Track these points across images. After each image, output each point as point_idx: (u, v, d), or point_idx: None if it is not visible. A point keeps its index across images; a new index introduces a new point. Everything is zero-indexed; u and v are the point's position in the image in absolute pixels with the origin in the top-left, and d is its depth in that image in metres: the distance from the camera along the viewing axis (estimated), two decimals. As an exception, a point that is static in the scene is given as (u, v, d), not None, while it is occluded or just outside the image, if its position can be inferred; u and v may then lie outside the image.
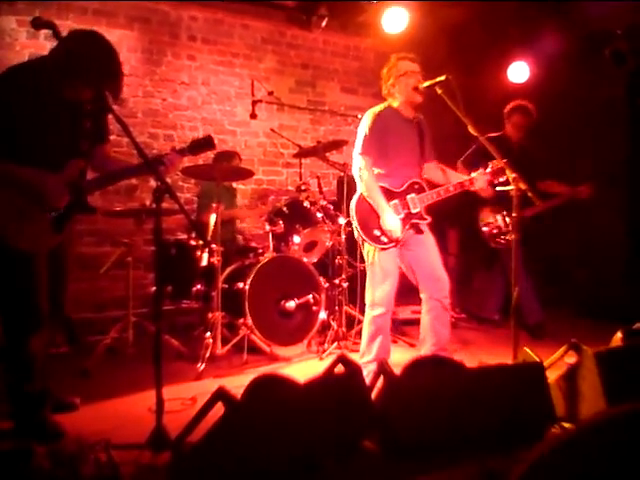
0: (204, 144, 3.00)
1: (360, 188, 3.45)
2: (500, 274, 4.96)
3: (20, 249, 2.62)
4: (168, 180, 2.99)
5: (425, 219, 3.45)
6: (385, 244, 3.36)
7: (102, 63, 2.65)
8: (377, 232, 3.37)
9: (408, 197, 3.42)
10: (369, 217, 3.39)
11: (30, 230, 2.65)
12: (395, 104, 3.51)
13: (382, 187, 3.40)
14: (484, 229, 4.82)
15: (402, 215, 3.40)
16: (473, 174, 3.46)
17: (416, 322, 4.64)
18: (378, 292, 3.40)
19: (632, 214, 5.52)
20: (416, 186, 3.46)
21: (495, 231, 4.76)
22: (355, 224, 3.43)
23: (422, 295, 3.49)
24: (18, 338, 2.71)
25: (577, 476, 1.07)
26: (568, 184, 4.82)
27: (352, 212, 3.45)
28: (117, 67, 2.72)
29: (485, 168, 3.42)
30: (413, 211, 3.41)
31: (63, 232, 2.75)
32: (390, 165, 3.44)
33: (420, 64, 3.49)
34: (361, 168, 3.42)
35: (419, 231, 3.45)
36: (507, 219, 4.63)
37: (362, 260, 3.72)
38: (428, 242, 3.49)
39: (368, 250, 3.46)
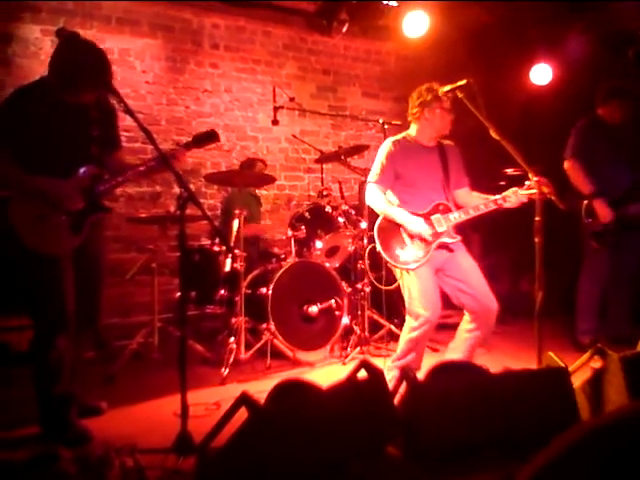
0: (208, 137, 3.01)
1: (378, 212, 3.41)
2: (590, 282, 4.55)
3: (43, 253, 2.73)
4: (192, 187, 3.04)
5: (454, 237, 3.34)
6: (410, 264, 3.27)
7: (85, 65, 2.76)
8: (400, 252, 3.30)
9: (433, 217, 3.34)
10: (391, 240, 3.34)
11: (50, 234, 2.76)
12: (415, 133, 3.48)
13: (405, 209, 3.36)
14: (592, 227, 4.35)
15: None
16: (505, 192, 3.35)
17: (443, 327, 4.63)
18: (422, 308, 3.27)
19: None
20: (441, 207, 3.38)
21: (603, 228, 4.30)
22: (379, 248, 3.36)
23: (467, 315, 3.36)
24: (46, 340, 2.79)
25: (593, 475, 1.06)
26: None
27: (375, 237, 3.39)
28: (100, 65, 2.81)
29: (520, 186, 3.30)
30: (439, 230, 3.31)
31: (82, 233, 2.83)
32: (411, 192, 3.39)
33: (452, 102, 3.42)
34: (374, 193, 3.41)
35: (450, 250, 3.36)
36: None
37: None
38: (468, 265, 3.37)
39: (399, 274, 3.39)
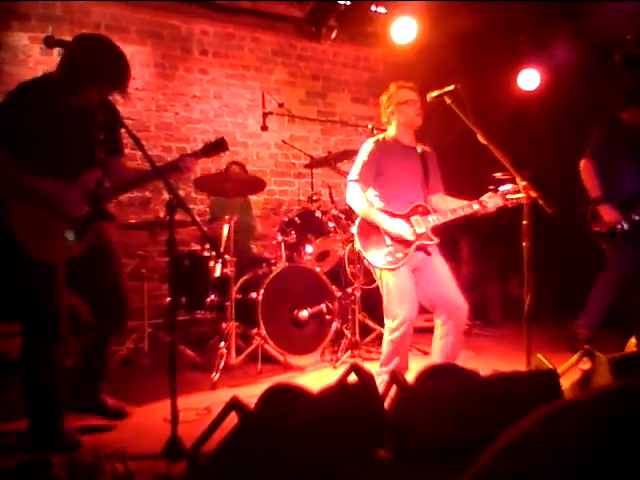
0: (217, 146, 3.01)
1: (358, 212, 3.42)
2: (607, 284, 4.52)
3: (41, 260, 2.66)
4: (181, 192, 3.04)
5: (432, 240, 3.36)
6: (389, 264, 3.30)
7: (103, 60, 2.72)
8: (380, 253, 3.32)
9: (412, 219, 3.36)
10: (371, 239, 3.36)
11: (51, 241, 2.69)
12: (394, 132, 3.52)
13: (385, 211, 3.38)
14: (598, 229, 4.40)
15: None
16: (482, 197, 3.38)
17: (429, 330, 4.63)
18: (400, 309, 3.30)
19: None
20: (420, 209, 3.40)
21: (610, 229, 4.32)
22: (358, 247, 3.39)
23: (437, 319, 3.39)
24: (38, 347, 2.75)
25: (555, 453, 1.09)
26: None
27: (355, 236, 3.43)
28: (119, 64, 2.79)
29: (495, 191, 3.34)
30: (418, 231, 3.33)
31: (85, 240, 2.79)
32: (391, 191, 3.41)
33: (418, 93, 3.49)
34: (355, 193, 3.41)
35: (427, 253, 3.40)
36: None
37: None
38: (439, 267, 3.41)
39: (379, 274, 3.40)
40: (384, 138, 3.53)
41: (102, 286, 2.96)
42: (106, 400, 3.12)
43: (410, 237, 3.29)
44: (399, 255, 3.30)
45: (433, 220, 3.37)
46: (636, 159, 4.43)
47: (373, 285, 3.87)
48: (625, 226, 4.26)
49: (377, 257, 3.33)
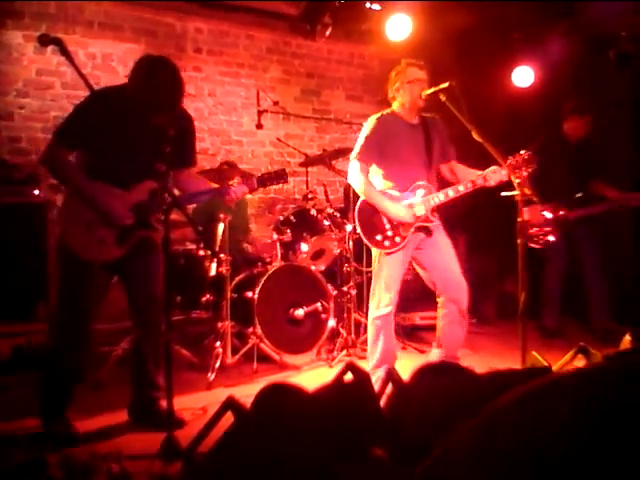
0: (275, 177, 3.12)
1: (359, 193, 3.46)
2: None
3: (81, 257, 2.79)
4: (176, 191, 3.04)
5: (432, 221, 3.39)
6: (388, 248, 3.35)
7: (174, 91, 2.81)
8: (379, 237, 3.36)
9: (412, 199, 3.39)
10: (371, 222, 3.40)
11: (94, 242, 2.81)
12: (398, 109, 3.52)
13: (385, 193, 3.40)
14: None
15: None
16: (486, 170, 3.36)
17: (425, 328, 4.66)
18: (383, 296, 3.40)
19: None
20: (421, 189, 3.42)
21: (536, 230, 4.70)
22: (358, 229, 3.45)
23: (439, 299, 3.45)
24: (57, 346, 2.96)
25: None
26: (619, 189, 4.75)
27: (355, 218, 3.48)
28: (180, 92, 2.85)
29: (500, 165, 3.29)
30: (418, 213, 3.36)
31: (126, 246, 2.87)
32: (393, 169, 3.43)
33: (428, 72, 3.49)
34: (356, 172, 3.43)
35: (429, 233, 3.42)
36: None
37: (369, 265, 3.72)
38: (443, 245, 3.45)
39: (375, 254, 3.48)
40: (387, 114, 3.53)
41: (135, 302, 3.08)
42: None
43: (409, 219, 3.31)
44: (397, 239, 3.34)
45: (434, 201, 3.37)
46: (568, 167, 4.76)
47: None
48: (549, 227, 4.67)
49: (376, 239, 3.36)
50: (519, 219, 3.06)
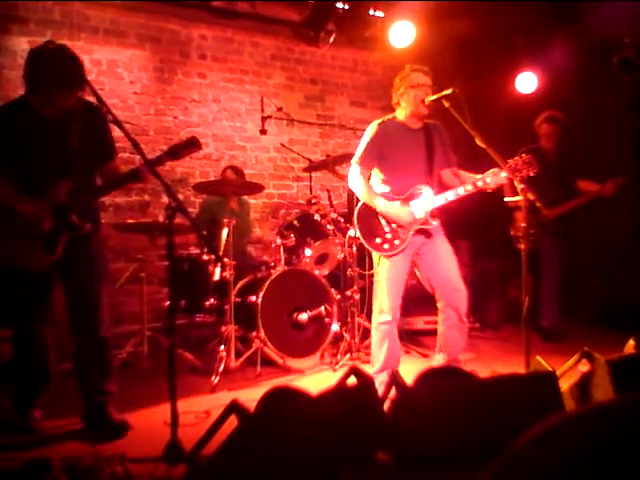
0: (186, 146, 2.90)
1: (359, 196, 3.48)
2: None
3: (14, 268, 2.84)
4: (180, 196, 3.06)
5: (432, 223, 3.38)
6: (387, 251, 3.36)
7: (50, 63, 2.76)
8: (379, 240, 3.37)
9: (412, 203, 3.39)
10: (370, 225, 3.41)
11: (23, 252, 2.81)
12: (401, 115, 3.53)
13: (384, 195, 3.42)
14: (512, 233, 5.00)
15: None
16: (485, 173, 3.35)
17: (428, 332, 4.65)
18: (384, 300, 3.40)
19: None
20: (420, 192, 3.41)
21: (519, 233, 4.82)
22: (358, 233, 3.46)
23: (438, 304, 3.46)
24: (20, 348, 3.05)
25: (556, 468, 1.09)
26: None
27: (355, 222, 3.49)
28: (68, 62, 2.78)
29: (500, 168, 3.27)
30: (417, 216, 3.36)
31: (57, 251, 2.85)
32: (394, 174, 3.44)
33: (432, 78, 3.50)
34: (356, 176, 3.45)
35: (428, 236, 3.43)
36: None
37: (372, 269, 3.72)
38: (443, 250, 3.45)
39: (375, 258, 3.48)
40: (389, 120, 3.54)
41: (71, 302, 3.06)
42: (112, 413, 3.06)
43: (409, 222, 3.31)
44: (397, 242, 3.35)
45: (433, 203, 3.38)
46: (552, 175, 4.80)
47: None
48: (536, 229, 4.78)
49: (376, 243, 3.37)
50: (522, 224, 3.07)
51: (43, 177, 2.83)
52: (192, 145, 2.89)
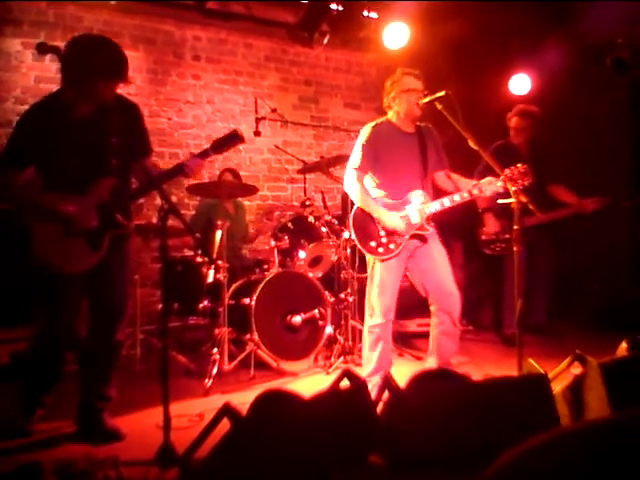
0: (229, 139, 2.91)
1: (354, 200, 3.48)
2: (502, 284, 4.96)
3: (60, 271, 2.76)
4: (173, 198, 3.05)
5: (428, 229, 3.41)
6: (381, 254, 3.37)
7: (96, 53, 2.66)
8: (373, 243, 3.38)
9: (408, 208, 3.41)
10: (365, 229, 3.42)
11: (70, 253, 2.76)
12: (393, 118, 3.54)
13: (380, 200, 3.42)
14: (482, 237, 4.88)
15: None
16: (481, 181, 3.39)
17: (422, 335, 4.65)
18: (377, 303, 3.41)
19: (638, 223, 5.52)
20: (416, 197, 3.44)
21: (491, 237, 4.80)
22: (353, 236, 3.47)
23: (431, 307, 3.47)
24: (44, 347, 2.94)
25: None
26: (577, 194, 4.75)
27: (350, 225, 3.50)
28: (113, 53, 2.72)
29: (497, 176, 3.31)
30: (413, 222, 3.38)
31: (101, 250, 2.81)
32: (388, 178, 3.45)
33: (424, 81, 3.50)
34: (352, 180, 3.45)
35: (423, 241, 3.44)
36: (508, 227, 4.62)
37: (364, 271, 3.73)
38: (437, 255, 3.46)
39: (369, 261, 3.49)
40: (382, 123, 3.55)
41: (97, 302, 3.00)
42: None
43: (404, 228, 3.32)
44: (392, 246, 3.36)
45: (429, 210, 3.39)
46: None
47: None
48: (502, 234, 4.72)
49: (370, 247, 3.37)
50: (515, 226, 3.07)
51: (82, 176, 2.78)
52: (234, 138, 2.91)
